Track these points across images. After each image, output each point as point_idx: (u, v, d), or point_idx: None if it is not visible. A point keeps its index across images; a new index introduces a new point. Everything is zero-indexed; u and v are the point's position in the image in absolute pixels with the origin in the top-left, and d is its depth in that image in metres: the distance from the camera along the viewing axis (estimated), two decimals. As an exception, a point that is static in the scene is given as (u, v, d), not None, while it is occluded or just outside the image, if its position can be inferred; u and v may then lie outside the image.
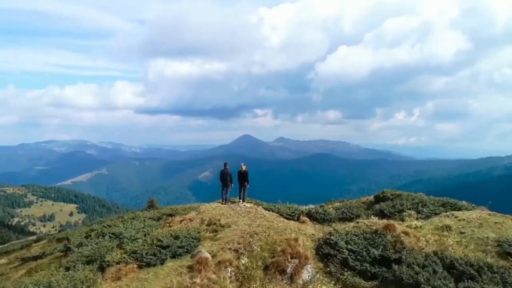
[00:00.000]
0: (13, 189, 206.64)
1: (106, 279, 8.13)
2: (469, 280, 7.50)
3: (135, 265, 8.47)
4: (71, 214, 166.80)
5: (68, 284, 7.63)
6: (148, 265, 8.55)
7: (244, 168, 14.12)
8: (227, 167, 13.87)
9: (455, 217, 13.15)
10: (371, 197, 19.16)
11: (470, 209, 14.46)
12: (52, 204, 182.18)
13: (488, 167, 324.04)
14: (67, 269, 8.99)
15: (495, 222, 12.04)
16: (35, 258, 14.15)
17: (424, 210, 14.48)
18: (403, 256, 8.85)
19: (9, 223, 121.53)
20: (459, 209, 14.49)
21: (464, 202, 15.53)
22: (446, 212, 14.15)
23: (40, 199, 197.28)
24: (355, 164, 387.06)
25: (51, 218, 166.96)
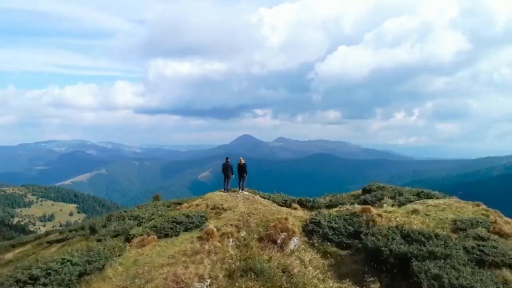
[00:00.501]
0: (13, 189, 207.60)
1: (133, 247, 10.23)
2: (419, 244, 9.61)
3: (155, 236, 10.58)
4: (71, 214, 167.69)
5: (104, 248, 9.73)
6: (166, 236, 10.67)
7: (243, 161, 16.31)
8: (229, 160, 16.06)
9: (426, 203, 15.29)
10: (359, 191, 21.28)
11: (441, 198, 16.58)
12: (52, 204, 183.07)
13: (487, 167, 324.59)
14: (99, 240, 11.10)
15: (457, 207, 14.18)
16: (60, 240, 16.21)
17: (401, 198, 16.61)
18: (372, 230, 10.97)
19: (10, 222, 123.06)
20: (431, 198, 16.62)
21: (436, 192, 17.67)
22: (420, 200, 16.29)
23: (40, 199, 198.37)
24: (355, 164, 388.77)
25: (51, 218, 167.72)
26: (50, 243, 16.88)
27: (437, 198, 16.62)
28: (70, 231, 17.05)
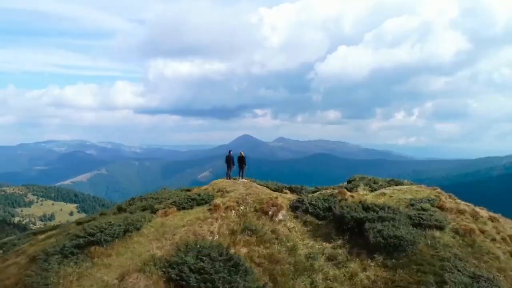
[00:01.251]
0: (13, 189, 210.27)
1: (158, 216, 13.60)
2: (373, 212, 12.96)
3: (175, 209, 13.94)
4: (71, 214, 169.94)
5: (137, 216, 13.10)
6: (183, 208, 14.02)
7: (242, 154, 19.79)
8: (231, 153, 19.54)
9: (393, 189, 18.69)
10: (345, 183, 24.71)
11: (408, 185, 19.97)
12: (52, 204, 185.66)
13: (487, 167, 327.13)
14: (131, 213, 14.46)
15: (416, 191, 17.57)
16: (89, 220, 19.56)
17: (375, 186, 20.03)
18: (341, 204, 14.37)
19: (11, 221, 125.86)
20: (400, 185, 20.02)
21: (406, 180, 21.07)
22: (390, 187, 19.69)
23: (41, 199, 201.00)
24: (354, 164, 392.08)
25: (51, 217, 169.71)
26: (81, 223, 20.24)
27: (405, 185, 20.02)
28: (100, 214, 20.40)
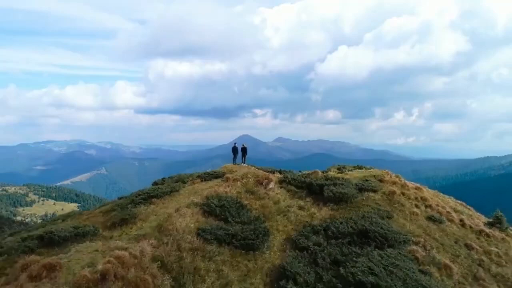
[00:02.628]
0: (14, 188, 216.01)
1: (188, 185, 20.57)
2: (331, 181, 19.95)
3: (199, 180, 20.94)
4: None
5: (175, 184, 20.05)
6: (205, 180, 20.98)
7: (244, 145, 26.87)
8: (236, 144, 26.70)
9: (355, 170, 25.73)
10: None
11: (369, 169, 26.96)
12: (54, 203, 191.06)
13: (486, 166, 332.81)
14: (168, 185, 21.46)
15: (370, 171, 24.61)
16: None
17: (344, 169, 27.04)
18: (313, 177, 21.40)
19: (15, 220, 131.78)
20: (363, 169, 27.03)
21: (369, 166, 28.05)
22: (354, 169, 26.72)
23: (42, 198, 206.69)
24: (353, 164, 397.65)
25: (52, 217, 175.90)
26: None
27: (367, 169, 27.03)
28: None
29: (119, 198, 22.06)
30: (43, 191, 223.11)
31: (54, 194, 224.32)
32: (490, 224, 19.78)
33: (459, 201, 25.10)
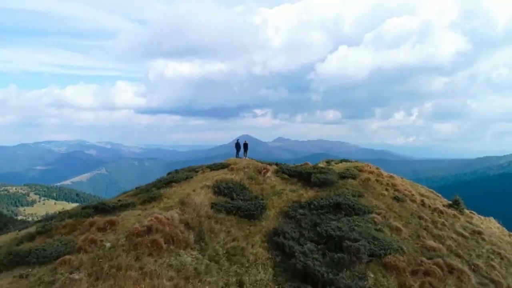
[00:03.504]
0: (15, 188, 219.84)
1: (199, 173, 25.04)
2: (319, 173, 24.43)
3: (209, 170, 25.45)
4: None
5: (190, 172, 24.48)
6: (213, 169, 25.50)
7: (246, 142, 31.42)
8: (238, 141, 31.21)
9: (341, 163, 30.24)
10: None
11: (353, 162, 31.43)
12: (55, 203, 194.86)
13: (485, 166, 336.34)
14: (177, 173, 25.95)
15: (352, 163, 29.11)
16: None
17: (331, 162, 31.54)
18: (304, 168, 25.90)
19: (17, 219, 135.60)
20: (349, 162, 31.54)
21: (354, 160, 32.51)
22: (341, 162, 31.21)
23: (43, 198, 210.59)
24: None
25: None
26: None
27: (351, 162, 31.52)
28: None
29: (137, 188, 26.54)
30: (44, 191, 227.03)
31: (54, 194, 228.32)
32: (449, 206, 24.25)
33: (430, 189, 29.55)
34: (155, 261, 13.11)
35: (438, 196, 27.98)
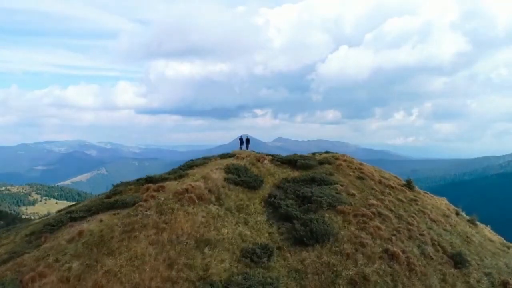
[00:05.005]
0: (17, 188, 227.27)
1: (211, 161, 33.34)
2: (303, 160, 32.65)
3: (219, 158, 33.74)
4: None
5: (202, 160, 32.75)
6: (223, 158, 33.79)
7: (248, 138, 39.93)
8: (242, 136, 39.71)
9: (323, 154, 38.57)
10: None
11: (334, 154, 39.67)
12: (56, 203, 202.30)
13: (484, 166, 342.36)
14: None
15: (332, 154, 37.43)
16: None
17: (315, 154, 39.84)
18: (294, 156, 34.27)
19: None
20: (328, 153, 39.81)
21: (336, 152, 40.80)
22: (323, 154, 39.47)
23: (44, 198, 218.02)
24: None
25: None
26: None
27: (332, 153, 39.76)
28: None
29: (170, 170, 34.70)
30: (46, 190, 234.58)
31: (56, 194, 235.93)
32: (403, 185, 32.45)
33: (395, 175, 37.75)
34: (192, 208, 21.44)
35: (399, 179, 36.21)
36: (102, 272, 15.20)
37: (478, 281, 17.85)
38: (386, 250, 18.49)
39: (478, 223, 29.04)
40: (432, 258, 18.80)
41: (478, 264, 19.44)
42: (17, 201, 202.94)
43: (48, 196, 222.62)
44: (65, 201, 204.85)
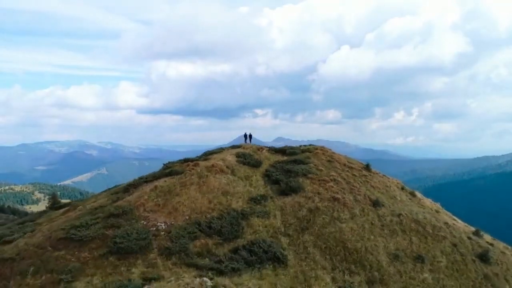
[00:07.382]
0: (20, 187, 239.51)
1: (223, 151, 47.42)
2: (290, 149, 46.64)
3: (230, 148, 47.87)
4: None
5: (217, 150, 46.74)
6: (233, 148, 47.92)
7: (251, 133, 54.22)
8: (246, 132, 53.98)
9: (308, 147, 52.79)
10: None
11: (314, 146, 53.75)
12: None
13: (483, 166, 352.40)
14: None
15: (313, 146, 51.66)
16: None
17: (302, 146, 53.99)
18: (284, 148, 48.39)
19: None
20: (311, 145, 53.94)
21: (320, 146, 54.90)
22: (308, 146, 53.62)
23: (47, 197, 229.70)
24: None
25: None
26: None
27: (314, 146, 53.87)
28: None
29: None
30: (48, 189, 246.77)
31: (58, 193, 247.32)
32: (362, 167, 46.40)
33: (361, 161, 51.75)
34: (218, 176, 35.58)
35: (362, 164, 50.17)
36: (175, 202, 29.47)
37: (384, 213, 32.01)
38: (333, 197, 32.70)
39: (418, 195, 43.14)
40: (360, 201, 32.97)
41: (389, 207, 33.56)
42: (21, 200, 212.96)
43: (50, 195, 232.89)
44: (67, 200, 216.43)
